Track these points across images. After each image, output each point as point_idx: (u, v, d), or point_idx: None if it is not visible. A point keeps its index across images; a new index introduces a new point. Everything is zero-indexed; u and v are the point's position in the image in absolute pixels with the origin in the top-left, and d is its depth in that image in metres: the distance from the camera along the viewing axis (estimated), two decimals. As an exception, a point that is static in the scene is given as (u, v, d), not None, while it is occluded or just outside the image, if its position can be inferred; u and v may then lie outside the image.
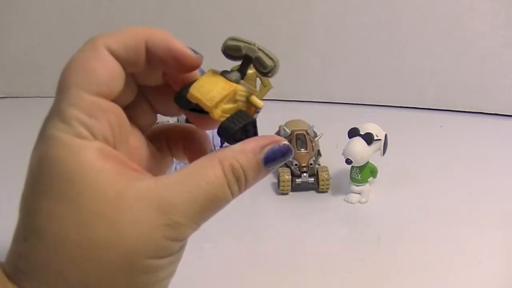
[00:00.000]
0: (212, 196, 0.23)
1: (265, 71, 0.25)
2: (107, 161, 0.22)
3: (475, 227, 0.46)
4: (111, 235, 0.21)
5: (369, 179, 0.51)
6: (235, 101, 0.25)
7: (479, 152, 0.62)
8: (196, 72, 0.25)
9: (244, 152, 0.24)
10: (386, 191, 0.53)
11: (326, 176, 0.52)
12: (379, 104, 0.80)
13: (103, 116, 0.22)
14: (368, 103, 0.81)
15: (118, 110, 0.24)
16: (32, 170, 0.22)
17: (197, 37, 0.82)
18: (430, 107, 0.78)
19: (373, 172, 0.52)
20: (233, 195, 0.24)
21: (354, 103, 0.82)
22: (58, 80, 0.23)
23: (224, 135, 0.24)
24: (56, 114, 0.22)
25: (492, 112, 0.75)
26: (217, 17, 0.83)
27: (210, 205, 0.23)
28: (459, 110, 0.76)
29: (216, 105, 0.24)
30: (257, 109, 0.26)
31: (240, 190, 0.24)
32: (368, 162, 0.50)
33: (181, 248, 0.24)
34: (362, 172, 0.50)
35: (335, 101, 0.83)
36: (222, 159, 0.23)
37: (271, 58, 0.25)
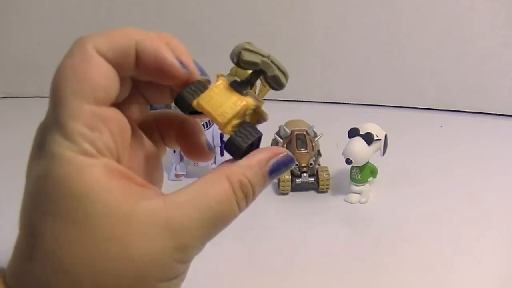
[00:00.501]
0: (221, 215, 0.23)
1: (279, 89, 0.25)
2: (113, 179, 0.22)
3: (475, 227, 0.46)
4: (121, 258, 0.21)
5: (369, 179, 0.51)
6: (244, 115, 0.24)
7: (479, 152, 0.62)
8: (195, 72, 0.25)
9: (251, 167, 0.24)
10: (386, 191, 0.53)
11: (326, 176, 0.52)
12: (379, 104, 0.80)
13: (105, 127, 0.22)
14: (368, 103, 0.81)
15: (118, 116, 0.23)
16: (34, 188, 0.22)
17: (197, 37, 0.82)
18: (430, 107, 0.78)
19: (373, 172, 0.52)
20: (240, 211, 0.24)
21: (354, 103, 0.82)
22: (51, 87, 0.22)
23: (232, 151, 0.24)
24: (57, 128, 0.21)
25: (492, 112, 0.75)
26: (217, 17, 0.83)
27: (218, 223, 0.23)
28: (459, 110, 0.76)
29: (229, 122, 0.23)
30: (261, 120, 0.25)
31: (247, 205, 0.24)
32: (368, 162, 0.50)
33: (187, 268, 0.24)
34: (362, 172, 0.50)
35: (335, 101, 0.83)
36: (229, 176, 0.23)
37: (284, 75, 0.24)
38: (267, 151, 0.24)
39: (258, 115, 0.25)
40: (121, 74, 0.23)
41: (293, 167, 0.25)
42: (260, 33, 0.78)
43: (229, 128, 0.24)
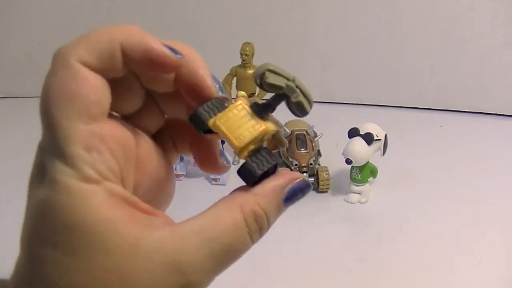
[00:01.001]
0: (233, 249, 0.21)
1: (301, 116, 0.23)
2: (116, 207, 0.21)
3: (475, 227, 0.46)
4: None
5: (369, 179, 0.51)
6: (262, 141, 0.23)
7: (479, 152, 0.62)
8: (211, 86, 0.23)
9: (266, 195, 0.22)
10: (386, 191, 0.53)
11: (326, 176, 0.52)
12: (379, 104, 0.80)
13: (104, 146, 0.21)
14: (368, 103, 0.81)
15: (116, 129, 0.22)
16: (35, 214, 0.21)
17: (197, 37, 0.82)
18: (430, 107, 0.78)
19: (373, 172, 0.52)
20: (253, 243, 0.22)
21: (354, 103, 0.82)
22: (41, 109, 0.21)
23: (246, 177, 0.22)
24: (55, 153, 0.20)
25: (492, 112, 0.75)
26: (217, 17, 0.83)
27: (229, 258, 0.22)
28: (459, 110, 0.76)
29: (245, 146, 0.22)
30: (279, 146, 0.24)
31: (261, 236, 0.23)
32: (368, 162, 0.50)
33: None
34: (362, 172, 0.50)
35: (335, 101, 0.83)
36: (243, 205, 0.22)
37: (309, 101, 0.23)
38: (282, 177, 0.23)
39: (276, 141, 0.24)
40: (110, 77, 0.22)
41: (309, 192, 0.24)
42: (260, 33, 0.78)
43: (245, 153, 0.22)
